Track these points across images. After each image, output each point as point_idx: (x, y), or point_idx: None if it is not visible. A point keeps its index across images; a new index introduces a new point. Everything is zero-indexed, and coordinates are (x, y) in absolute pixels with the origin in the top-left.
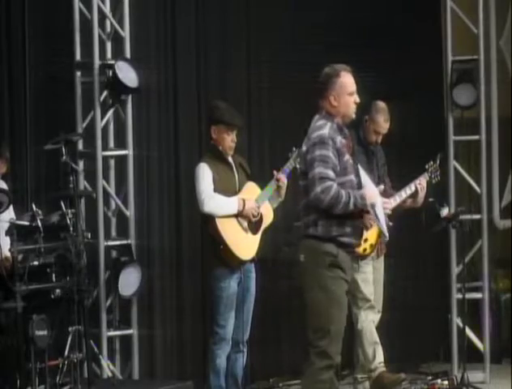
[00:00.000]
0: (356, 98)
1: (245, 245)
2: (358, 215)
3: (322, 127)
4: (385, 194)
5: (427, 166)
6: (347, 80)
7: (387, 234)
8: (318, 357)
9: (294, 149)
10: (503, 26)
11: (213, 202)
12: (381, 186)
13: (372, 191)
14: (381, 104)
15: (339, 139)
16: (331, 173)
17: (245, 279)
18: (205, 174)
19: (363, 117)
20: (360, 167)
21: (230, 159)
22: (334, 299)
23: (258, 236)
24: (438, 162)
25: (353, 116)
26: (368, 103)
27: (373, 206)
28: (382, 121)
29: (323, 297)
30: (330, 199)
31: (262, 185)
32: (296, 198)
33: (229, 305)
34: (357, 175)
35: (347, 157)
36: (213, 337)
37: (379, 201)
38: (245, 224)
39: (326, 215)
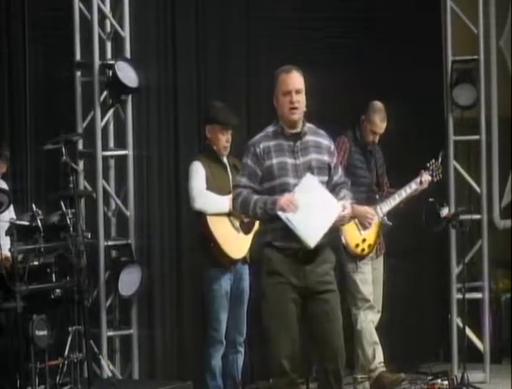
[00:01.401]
0: (293, 97)
1: (235, 244)
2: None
3: (257, 134)
4: (383, 194)
5: (428, 164)
6: (283, 80)
7: (309, 243)
8: (271, 364)
9: None
10: (503, 26)
11: (204, 198)
12: (346, 202)
13: (288, 197)
14: (378, 104)
15: (269, 144)
16: (243, 180)
17: (239, 280)
18: (198, 172)
19: (360, 117)
20: (308, 174)
21: (225, 159)
22: (272, 305)
23: (250, 236)
24: (440, 160)
25: (290, 117)
26: (366, 103)
27: (284, 211)
28: (379, 121)
29: (263, 302)
30: (240, 206)
31: None
32: None
33: (222, 307)
34: (297, 177)
35: (278, 160)
36: (207, 339)
37: (314, 207)
38: (237, 223)
39: (261, 221)
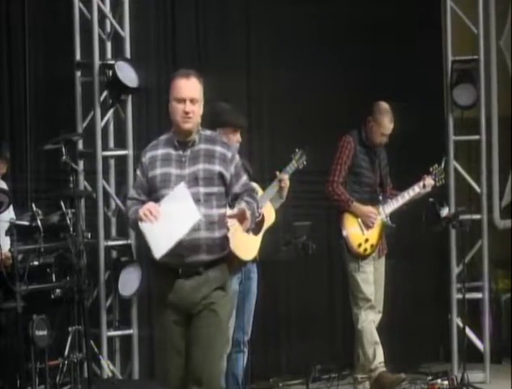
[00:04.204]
0: (187, 106)
1: (246, 245)
2: None
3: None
4: (385, 194)
5: (431, 169)
6: (178, 86)
7: (154, 254)
8: None
9: (297, 150)
10: (503, 26)
11: None
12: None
13: (149, 206)
14: (385, 105)
15: (157, 153)
16: (131, 192)
17: (247, 279)
18: None
19: (363, 117)
20: (182, 183)
21: None
22: (157, 327)
23: (260, 236)
24: (443, 165)
25: (182, 126)
26: (369, 103)
27: (141, 221)
28: (387, 123)
29: None
30: (129, 218)
31: (262, 186)
32: (297, 198)
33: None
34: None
35: (162, 171)
36: None
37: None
38: None
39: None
